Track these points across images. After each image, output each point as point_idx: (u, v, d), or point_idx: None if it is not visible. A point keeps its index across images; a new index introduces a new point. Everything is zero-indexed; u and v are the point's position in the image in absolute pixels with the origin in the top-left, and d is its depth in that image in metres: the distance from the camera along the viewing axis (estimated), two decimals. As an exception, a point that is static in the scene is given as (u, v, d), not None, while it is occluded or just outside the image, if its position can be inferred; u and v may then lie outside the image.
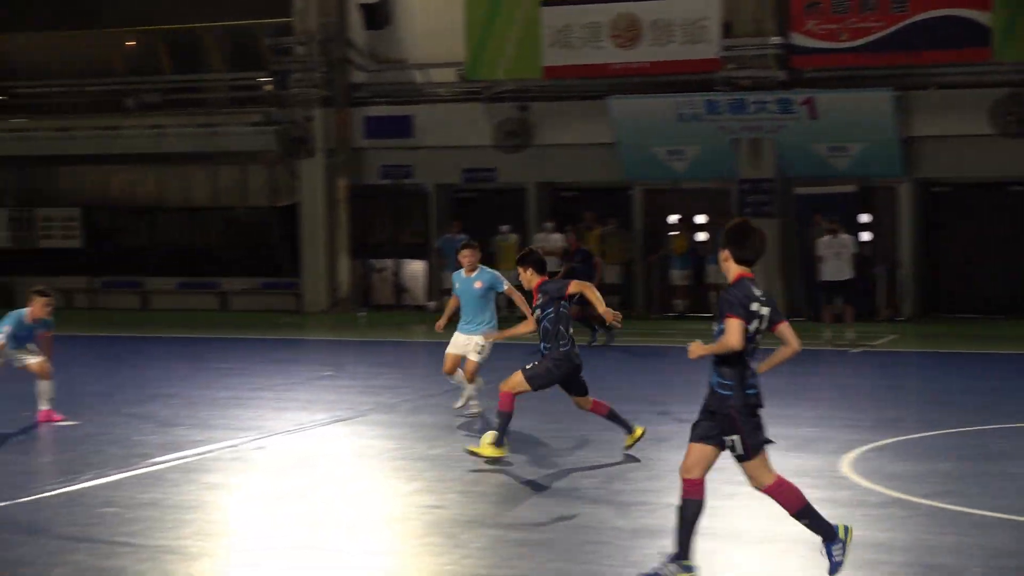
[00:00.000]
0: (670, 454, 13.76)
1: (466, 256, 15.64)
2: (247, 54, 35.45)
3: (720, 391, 8.83)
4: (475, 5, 31.30)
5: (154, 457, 13.77)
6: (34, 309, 15.96)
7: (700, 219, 31.59)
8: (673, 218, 31.72)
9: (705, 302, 30.66)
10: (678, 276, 30.93)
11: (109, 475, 12.87)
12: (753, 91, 29.42)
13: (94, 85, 36.57)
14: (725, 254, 8.95)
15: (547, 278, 13.57)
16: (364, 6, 32.28)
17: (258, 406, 17.40)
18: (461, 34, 31.49)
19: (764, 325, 8.90)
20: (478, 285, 15.55)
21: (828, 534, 8.91)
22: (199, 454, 14.04)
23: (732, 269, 8.88)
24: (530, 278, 13.51)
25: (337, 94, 32.92)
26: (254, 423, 16.06)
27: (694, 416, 9.02)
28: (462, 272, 15.83)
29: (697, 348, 8.82)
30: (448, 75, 32.44)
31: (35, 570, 9.58)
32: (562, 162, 31.76)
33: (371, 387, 15.00)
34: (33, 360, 16.15)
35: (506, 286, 15.72)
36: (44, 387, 16.16)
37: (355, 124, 33.12)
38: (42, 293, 16.07)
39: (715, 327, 8.89)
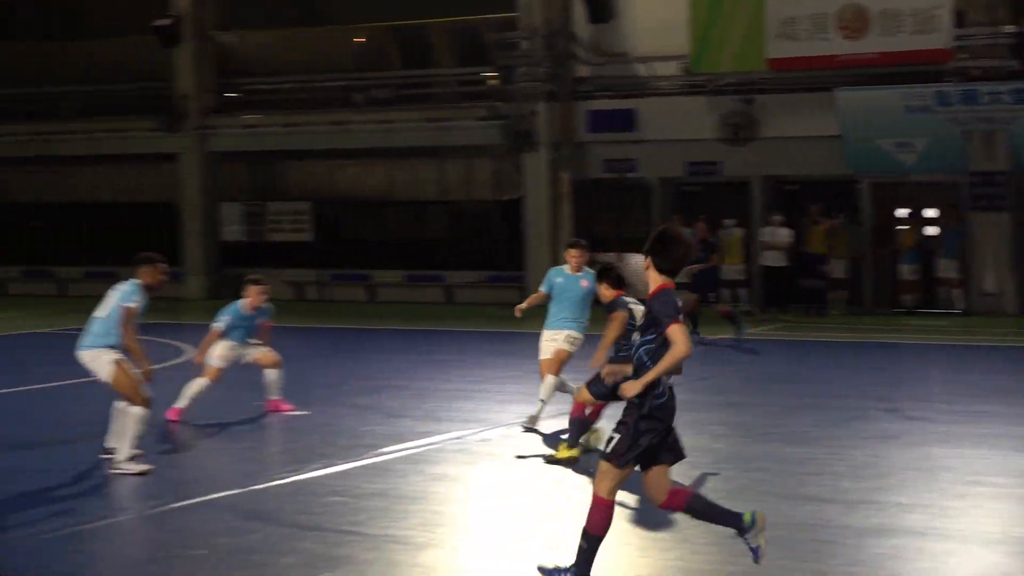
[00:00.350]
0: (900, 451, 13.50)
1: (576, 256, 15.28)
2: (473, 49, 35.78)
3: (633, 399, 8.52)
4: (700, -2, 31.12)
5: (381, 447, 13.98)
6: (251, 298, 16.30)
7: (929, 213, 30.89)
8: (901, 212, 31.07)
9: (934, 298, 29.98)
10: (907, 271, 30.30)
11: (337, 465, 13.10)
12: (986, 82, 28.63)
13: (324, 81, 37.32)
14: (647, 262, 8.59)
15: (622, 292, 13.15)
16: (588, 0, 32.29)
17: (482, 398, 17.53)
18: (685, 27, 31.31)
19: None
20: (584, 284, 15.22)
21: (738, 526, 8.70)
22: (425, 445, 14.21)
23: (654, 279, 8.52)
24: (605, 292, 13.25)
25: (561, 88, 33.01)
26: (478, 415, 16.20)
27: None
28: (565, 269, 15.42)
29: (632, 387, 8.43)
30: (671, 68, 32.29)
31: (265, 557, 9.80)
32: (787, 155, 31.37)
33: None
34: (259, 352, 16.52)
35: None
36: (273, 376, 16.53)
37: (579, 118, 33.17)
38: (257, 281, 16.39)
39: (637, 337, 8.58)
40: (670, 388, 8.60)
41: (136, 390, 12.93)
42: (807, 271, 29.81)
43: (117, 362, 12.99)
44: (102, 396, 14.31)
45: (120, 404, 13.27)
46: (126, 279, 13.45)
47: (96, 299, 13.77)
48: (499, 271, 34.32)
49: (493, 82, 35.26)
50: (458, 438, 14.67)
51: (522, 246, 33.77)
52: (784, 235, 29.09)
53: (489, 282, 34.79)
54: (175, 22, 36.21)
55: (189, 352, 23.01)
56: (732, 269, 29.64)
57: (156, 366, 20.62)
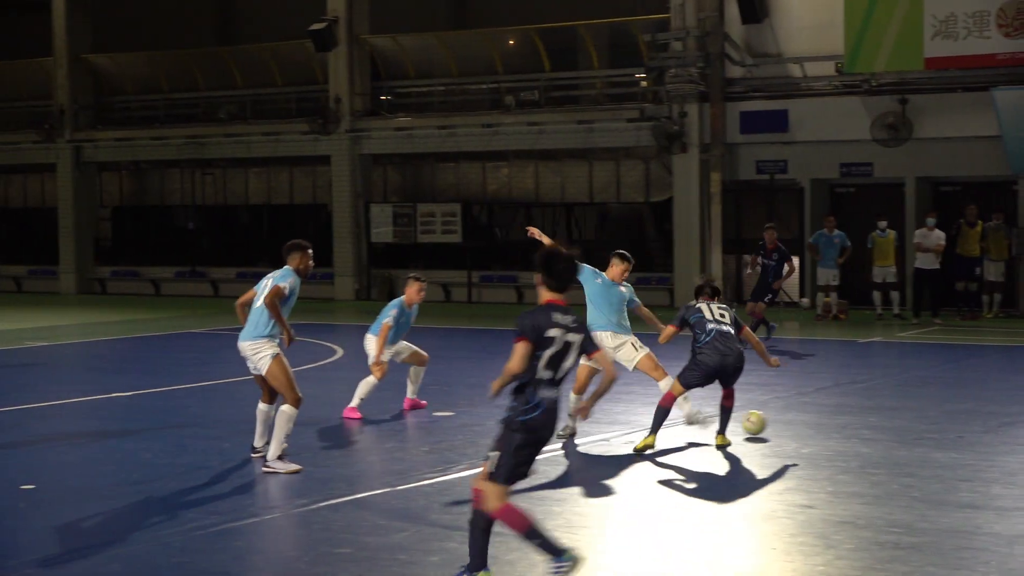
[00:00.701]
0: (1055, 460, 13.19)
1: (620, 267, 15.32)
2: (624, 50, 35.67)
3: (506, 412, 8.79)
4: (855, -3, 30.68)
5: (526, 448, 13.98)
6: (410, 294, 16.49)
7: (1091, 215, 30.14)
8: (1061, 213, 30.36)
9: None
10: (1065, 274, 29.57)
11: (481, 465, 13.12)
12: None
13: (475, 84, 37.52)
14: (538, 278, 8.99)
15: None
16: (741, 0, 32.02)
17: (628, 400, 17.45)
18: (839, 27, 30.90)
19: (572, 352, 8.80)
20: (623, 290, 15.40)
21: (555, 552, 8.72)
22: (575, 444, 14.20)
23: (543, 294, 8.91)
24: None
25: (712, 89, 32.78)
26: (623, 417, 16.14)
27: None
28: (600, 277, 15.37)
29: (494, 385, 8.81)
30: (825, 68, 31.90)
31: (411, 556, 9.86)
32: (942, 156, 30.82)
33: (742, 384, 14.82)
34: (412, 350, 16.74)
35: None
36: (417, 374, 16.74)
37: (730, 119, 32.92)
38: (417, 279, 16.59)
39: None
40: (549, 403, 8.76)
41: (291, 387, 13.11)
42: (961, 273, 29.25)
43: (277, 356, 13.20)
44: (253, 395, 14.52)
45: (263, 406, 13.49)
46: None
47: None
48: (648, 272, 34.15)
49: (644, 83, 35.14)
50: (604, 440, 14.63)
51: (671, 247, 33.60)
52: (937, 237, 28.57)
53: (638, 284, 34.56)
54: (329, 26, 36.63)
55: (340, 352, 23.30)
56: (885, 271, 29.18)
57: (309, 366, 20.94)
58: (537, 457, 8.92)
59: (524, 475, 8.91)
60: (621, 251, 15.78)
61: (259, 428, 13.57)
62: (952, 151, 30.62)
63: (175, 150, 40.43)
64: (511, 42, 37.44)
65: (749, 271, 26.97)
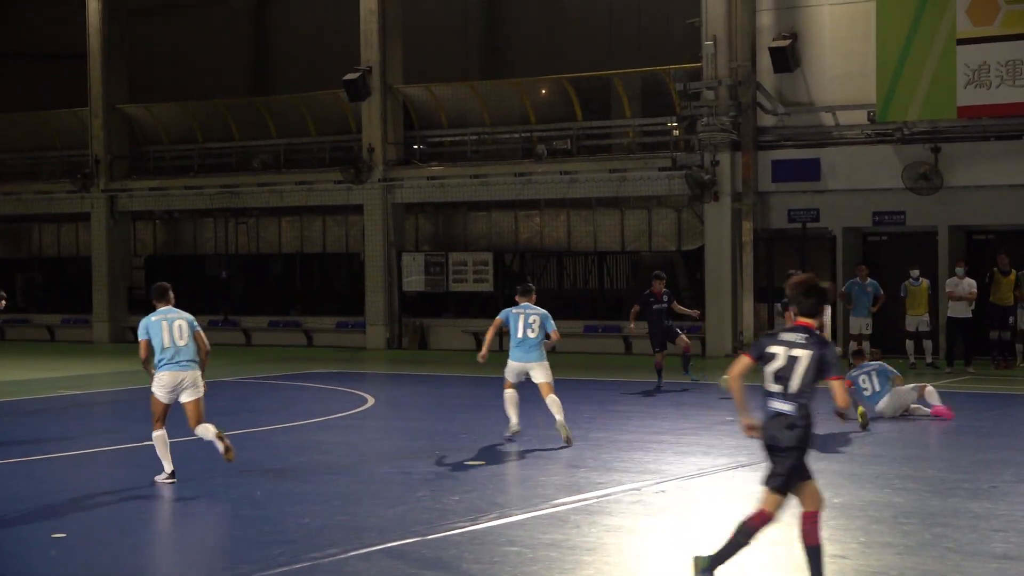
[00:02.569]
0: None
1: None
2: (656, 99, 35.75)
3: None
4: (887, 46, 30.63)
5: (556, 498, 13.96)
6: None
7: None
8: (1096, 262, 30.19)
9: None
10: (1100, 323, 29.36)
11: (513, 515, 13.11)
12: None
13: (507, 133, 37.64)
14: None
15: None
16: (774, 50, 32.07)
17: (660, 450, 17.42)
18: (871, 76, 30.90)
19: (798, 367, 9.78)
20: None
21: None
22: (601, 496, 14.15)
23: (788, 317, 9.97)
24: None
25: (744, 138, 32.80)
26: (655, 466, 16.09)
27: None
28: None
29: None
30: (857, 117, 31.88)
31: (439, 605, 9.84)
32: (975, 204, 30.73)
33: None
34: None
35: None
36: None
37: (762, 167, 32.91)
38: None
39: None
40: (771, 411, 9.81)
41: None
42: (995, 322, 29.10)
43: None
44: (286, 445, 14.49)
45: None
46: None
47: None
48: (679, 321, 34.03)
49: (675, 132, 35.18)
50: (635, 489, 14.58)
51: (703, 296, 33.54)
52: (968, 285, 28.44)
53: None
54: (362, 76, 36.84)
55: (371, 401, 23.31)
56: (918, 320, 29.06)
57: (340, 414, 20.97)
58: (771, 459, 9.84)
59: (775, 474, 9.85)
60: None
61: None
62: (985, 199, 30.54)
63: (209, 199, 40.65)
64: (543, 91, 37.56)
65: (632, 326, 27.08)
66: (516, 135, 37.44)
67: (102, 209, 41.76)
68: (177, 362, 15.08)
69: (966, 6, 29.79)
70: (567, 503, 13.72)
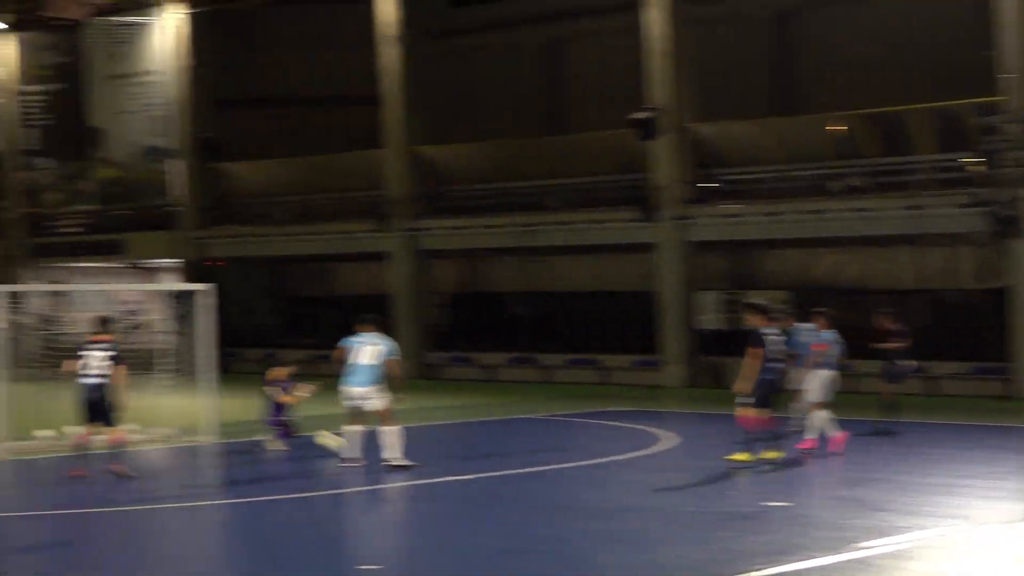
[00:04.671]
0: None
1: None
2: (954, 134, 34.98)
3: None
4: None
5: (860, 542, 13.82)
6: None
7: None
8: None
9: None
10: None
11: (814, 558, 13.03)
12: None
13: (800, 170, 37.29)
14: None
15: None
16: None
17: (966, 494, 17.05)
18: None
19: None
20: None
21: None
22: (906, 540, 13.95)
23: None
24: None
25: (1048, 172, 31.84)
26: (961, 511, 15.76)
27: None
28: None
29: None
30: None
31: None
32: None
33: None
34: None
35: None
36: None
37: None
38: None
39: None
40: None
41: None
42: None
43: None
44: (585, 481, 14.68)
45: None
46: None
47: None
48: (981, 362, 33.20)
49: (975, 167, 34.33)
50: (941, 535, 14.33)
51: (1009, 336, 32.55)
52: None
53: (975, 374, 33.62)
54: (652, 115, 37.05)
55: (665, 440, 23.38)
56: None
57: (636, 453, 21.15)
58: None
59: None
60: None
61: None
62: None
63: (506, 238, 41.33)
64: (838, 127, 37.12)
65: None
66: (811, 172, 37.06)
67: (402, 248, 42.86)
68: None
69: None
70: (871, 547, 13.57)
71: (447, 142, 43.94)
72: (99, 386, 18.87)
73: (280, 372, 22.77)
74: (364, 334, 19.95)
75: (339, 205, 45.74)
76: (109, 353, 18.96)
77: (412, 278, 42.94)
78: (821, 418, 21.23)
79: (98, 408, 18.97)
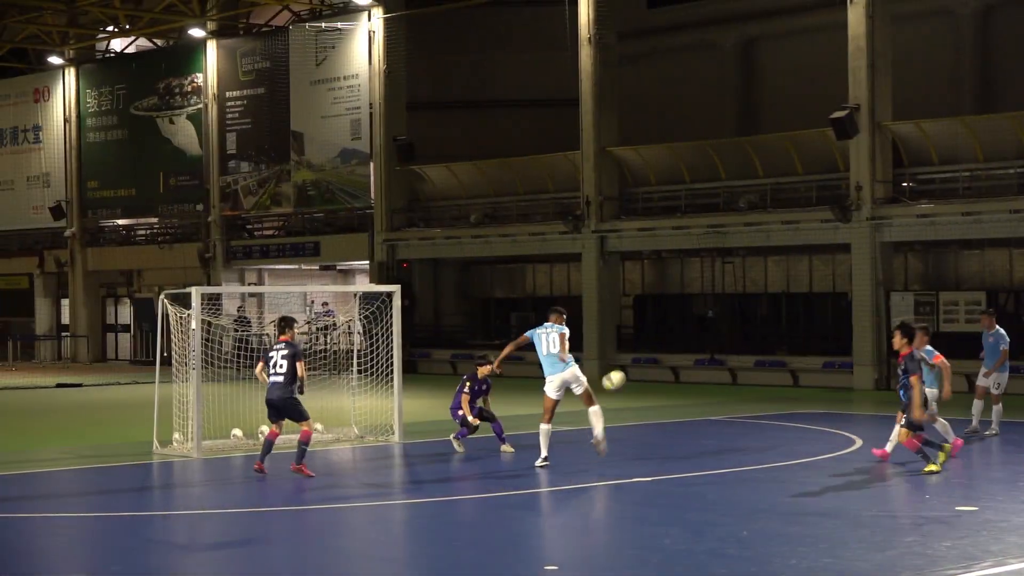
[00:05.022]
0: None
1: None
2: None
3: None
4: None
5: (1055, 548, 13.40)
6: None
7: None
8: None
9: None
10: None
11: (1009, 563, 12.65)
12: None
13: (1001, 168, 36.32)
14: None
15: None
16: None
17: None
18: None
19: None
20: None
21: None
22: (1104, 549, 13.47)
23: None
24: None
25: None
26: None
27: None
28: None
29: None
30: None
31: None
32: None
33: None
34: None
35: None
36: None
37: None
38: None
39: None
40: None
41: None
42: None
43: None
44: (771, 484, 14.44)
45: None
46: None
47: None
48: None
49: None
50: None
51: None
52: None
53: None
54: (850, 113, 36.41)
55: (859, 443, 22.94)
56: None
57: (826, 456, 20.78)
58: None
59: None
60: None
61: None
62: None
63: (696, 239, 41.04)
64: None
65: None
66: (1011, 171, 36.08)
67: (593, 249, 42.83)
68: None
69: None
70: (1067, 554, 13.13)
71: (640, 143, 43.79)
72: (282, 385, 19.12)
73: (484, 370, 22.54)
74: (549, 324, 20.07)
75: (530, 207, 45.90)
76: (290, 352, 19.17)
77: (601, 279, 42.84)
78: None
79: (283, 407, 19.24)
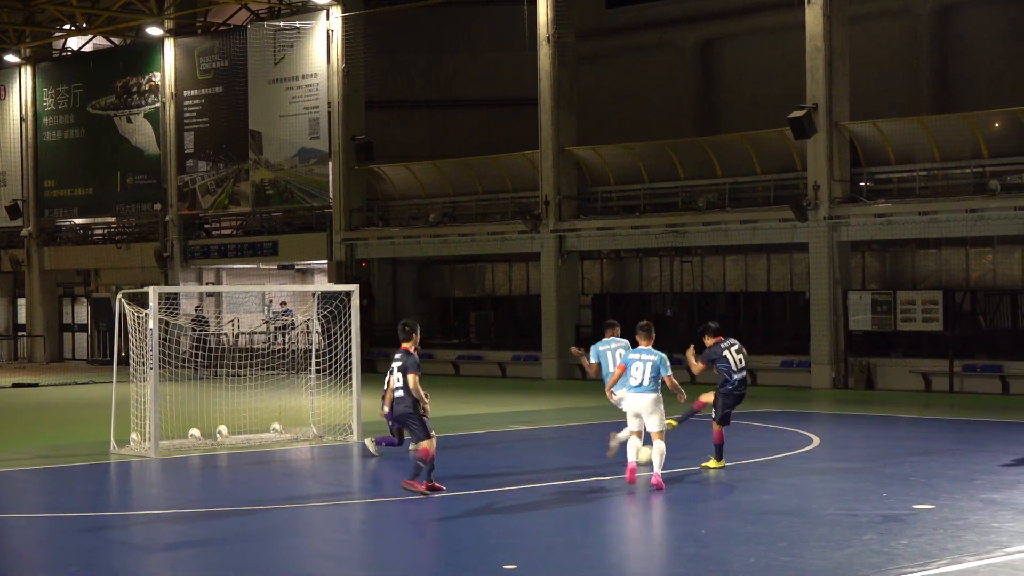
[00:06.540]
0: None
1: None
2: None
3: None
4: None
5: (1011, 546, 13.45)
6: None
7: None
8: None
9: None
10: None
11: (964, 562, 12.72)
12: None
13: (958, 168, 36.56)
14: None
15: None
16: None
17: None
18: None
19: None
20: None
21: None
22: (1058, 546, 13.57)
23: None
24: None
25: None
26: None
27: None
28: None
29: None
30: None
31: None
32: None
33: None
34: None
35: None
36: None
37: None
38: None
39: None
40: None
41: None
42: None
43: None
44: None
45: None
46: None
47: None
48: None
49: None
50: (1096, 540, 13.88)
51: None
52: None
53: None
54: (808, 113, 36.52)
55: (816, 441, 23.02)
56: None
57: (784, 454, 20.84)
58: None
59: None
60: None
61: None
62: None
63: (654, 238, 41.10)
64: (996, 124, 36.33)
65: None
66: (967, 170, 36.31)
67: (551, 248, 42.85)
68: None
69: None
70: (1020, 551, 13.19)
71: (599, 142, 43.83)
72: (401, 399, 17.72)
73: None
74: (614, 339, 20.25)
75: (489, 206, 45.90)
76: (401, 364, 17.85)
77: (559, 278, 42.85)
78: None
79: (404, 424, 18.30)
